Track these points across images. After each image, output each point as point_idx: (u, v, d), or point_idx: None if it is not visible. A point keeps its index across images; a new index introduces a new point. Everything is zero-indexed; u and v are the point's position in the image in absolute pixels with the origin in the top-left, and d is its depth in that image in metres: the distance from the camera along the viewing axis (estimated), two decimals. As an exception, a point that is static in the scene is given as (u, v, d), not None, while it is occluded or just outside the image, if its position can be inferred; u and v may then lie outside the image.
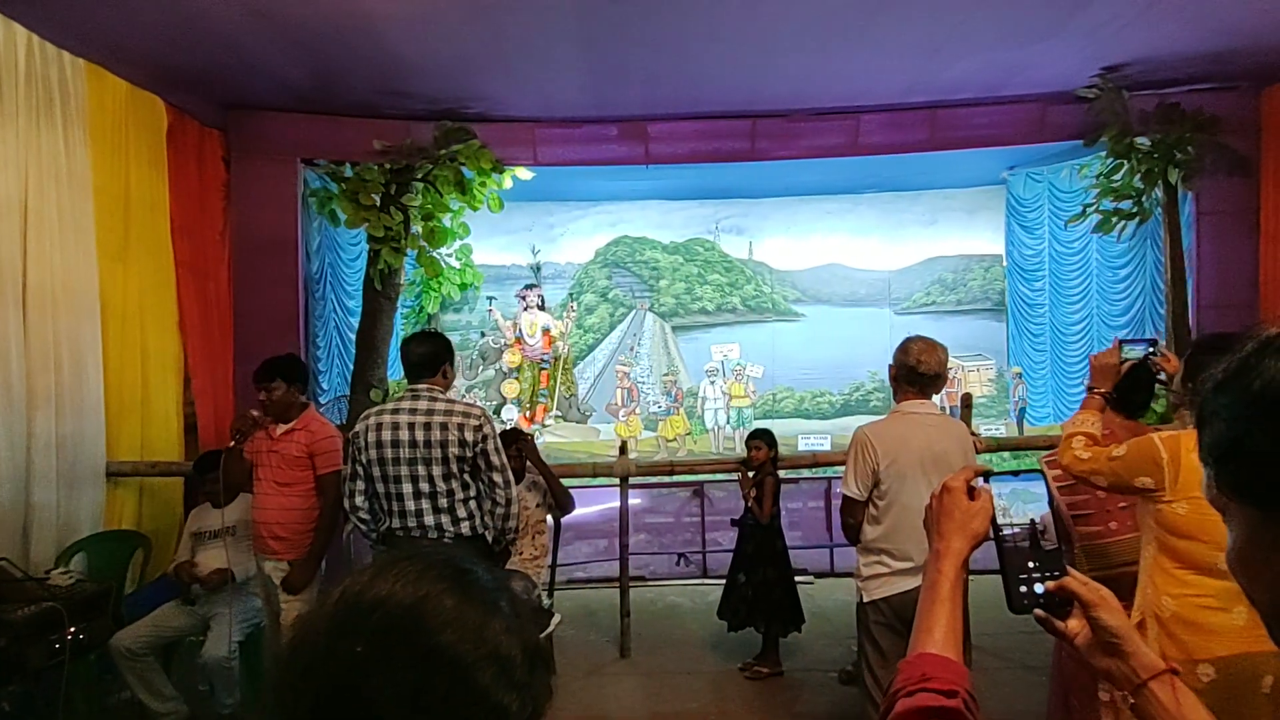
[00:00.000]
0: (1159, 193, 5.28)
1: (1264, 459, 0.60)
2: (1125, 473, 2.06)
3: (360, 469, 2.99)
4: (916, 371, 2.80)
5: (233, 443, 3.44)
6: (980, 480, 1.01)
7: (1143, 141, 5.15)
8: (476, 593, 0.68)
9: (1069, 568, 0.96)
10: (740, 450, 7.48)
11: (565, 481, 4.04)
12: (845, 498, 2.87)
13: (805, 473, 5.67)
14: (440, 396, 3.00)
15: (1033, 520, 0.99)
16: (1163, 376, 2.34)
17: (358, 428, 3.01)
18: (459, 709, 0.63)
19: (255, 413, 3.45)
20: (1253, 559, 0.63)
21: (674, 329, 7.76)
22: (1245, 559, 0.64)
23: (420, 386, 2.99)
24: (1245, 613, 1.88)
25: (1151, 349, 2.35)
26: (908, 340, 2.87)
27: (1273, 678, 1.85)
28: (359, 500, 3.02)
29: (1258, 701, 1.84)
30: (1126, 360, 2.34)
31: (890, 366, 2.92)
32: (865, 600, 2.82)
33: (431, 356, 3.01)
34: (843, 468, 2.91)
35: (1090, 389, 2.36)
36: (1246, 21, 4.17)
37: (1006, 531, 0.99)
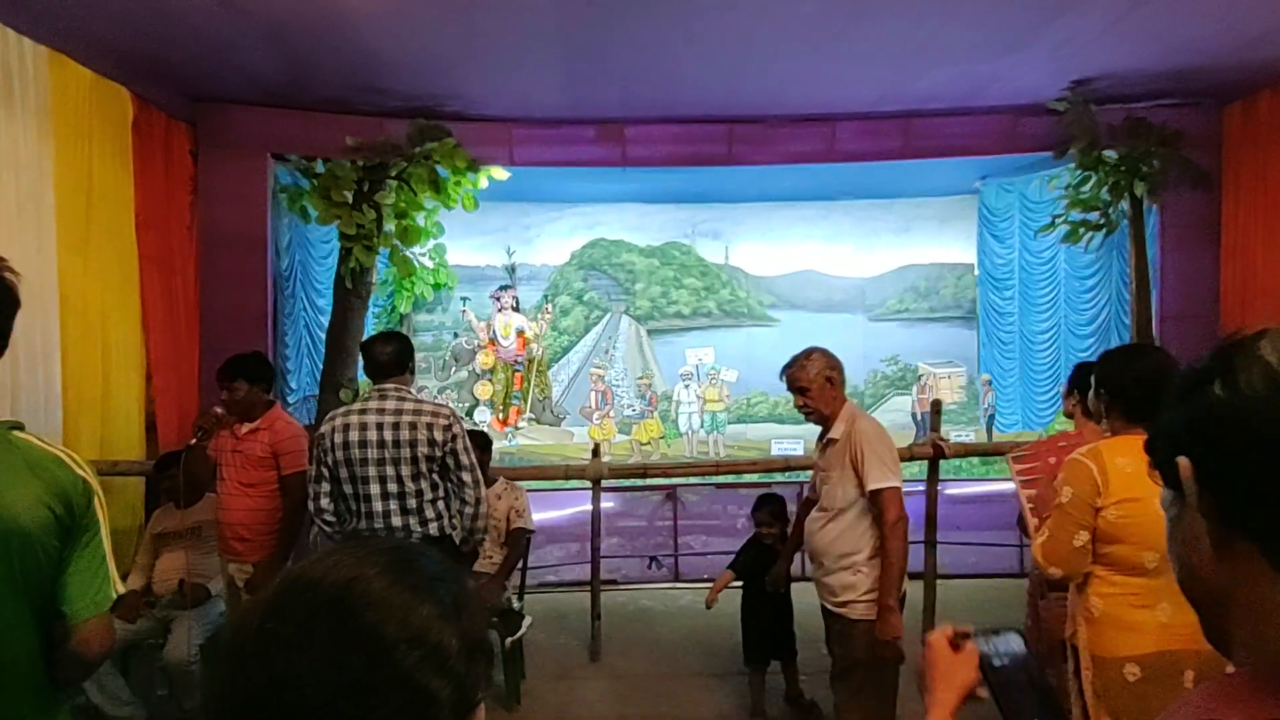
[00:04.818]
0: (1125, 205, 5.39)
1: (1173, 439, 0.63)
2: (1079, 513, 2.03)
3: (325, 470, 2.93)
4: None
5: (195, 440, 3.35)
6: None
7: (1110, 154, 5.25)
8: (411, 578, 0.67)
9: None
10: (714, 454, 7.54)
11: (537, 484, 4.01)
12: (895, 488, 2.77)
13: (778, 477, 5.69)
14: (409, 396, 2.97)
15: (1016, 639, 0.95)
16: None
17: (323, 429, 2.96)
18: (380, 691, 0.61)
19: (219, 410, 3.37)
20: (1181, 551, 0.66)
21: (649, 332, 7.76)
22: (1177, 552, 0.67)
23: (388, 386, 2.95)
24: (1169, 610, 1.95)
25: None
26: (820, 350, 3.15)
27: (1194, 673, 1.91)
28: (324, 502, 2.96)
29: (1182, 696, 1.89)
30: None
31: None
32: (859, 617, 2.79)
33: (398, 355, 2.98)
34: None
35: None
36: (1209, 40, 4.29)
37: (996, 663, 0.94)
